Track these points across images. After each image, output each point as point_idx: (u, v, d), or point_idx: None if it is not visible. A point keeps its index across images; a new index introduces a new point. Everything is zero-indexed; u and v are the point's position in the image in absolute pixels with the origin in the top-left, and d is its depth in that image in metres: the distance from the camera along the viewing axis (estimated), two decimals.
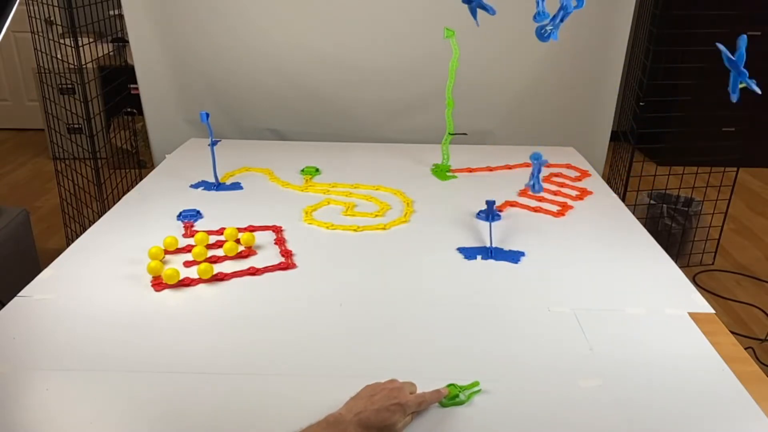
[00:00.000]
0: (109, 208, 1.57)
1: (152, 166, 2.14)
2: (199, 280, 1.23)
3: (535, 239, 1.43)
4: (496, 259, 1.34)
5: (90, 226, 1.48)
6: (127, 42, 2.25)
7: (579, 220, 1.55)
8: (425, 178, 1.82)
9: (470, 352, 1.04)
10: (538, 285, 1.25)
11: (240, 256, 1.33)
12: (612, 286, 1.25)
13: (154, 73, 2.23)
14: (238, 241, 1.37)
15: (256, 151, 2.02)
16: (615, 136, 2.49)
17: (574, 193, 1.71)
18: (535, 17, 1.14)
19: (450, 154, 1.85)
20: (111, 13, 2.55)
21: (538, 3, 1.12)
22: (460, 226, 1.49)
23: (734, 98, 0.84)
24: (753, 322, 2.41)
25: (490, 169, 1.88)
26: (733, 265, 2.82)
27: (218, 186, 1.70)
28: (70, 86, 2.37)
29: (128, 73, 2.42)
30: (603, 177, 2.00)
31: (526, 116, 2.27)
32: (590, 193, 1.71)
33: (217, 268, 1.28)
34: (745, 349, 1.29)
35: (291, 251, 1.36)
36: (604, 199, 1.69)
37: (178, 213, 1.52)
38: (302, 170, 1.83)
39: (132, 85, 2.43)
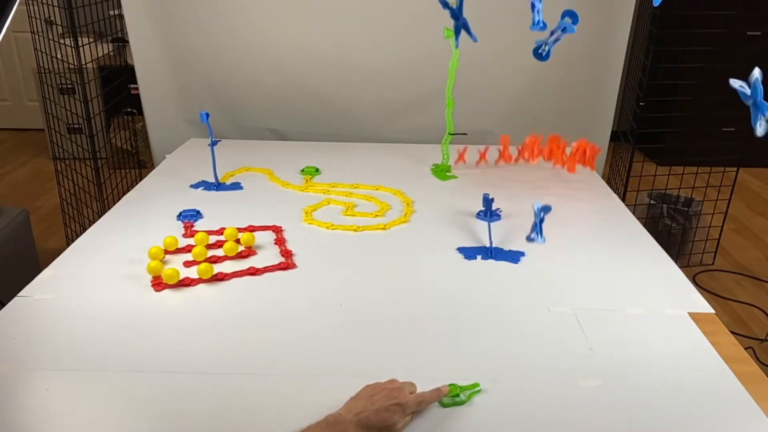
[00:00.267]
0: (109, 208, 1.57)
1: (152, 166, 2.14)
2: (199, 280, 1.23)
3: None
4: (496, 259, 1.34)
5: (90, 226, 1.48)
6: (127, 42, 2.25)
7: (579, 220, 1.55)
8: (425, 178, 1.82)
9: (470, 352, 1.04)
10: (538, 285, 1.25)
11: (240, 256, 1.33)
12: (612, 286, 1.25)
13: (154, 73, 2.23)
14: (238, 241, 1.37)
15: (256, 151, 2.02)
16: (615, 136, 2.49)
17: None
18: (531, 26, 1.15)
19: (450, 154, 1.85)
20: (111, 13, 2.55)
21: (534, 13, 1.12)
22: (460, 226, 1.49)
23: (760, 132, 0.84)
24: (753, 322, 2.41)
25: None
26: (733, 265, 2.82)
27: (218, 186, 1.70)
28: (70, 86, 2.37)
29: (128, 73, 2.42)
30: (603, 177, 2.00)
31: (526, 116, 2.27)
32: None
33: (217, 268, 1.28)
34: (745, 349, 1.29)
35: (291, 251, 1.36)
36: (604, 199, 1.69)
37: (178, 213, 1.52)
38: (302, 170, 1.83)
39: (132, 85, 2.43)
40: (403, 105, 2.25)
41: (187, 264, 1.29)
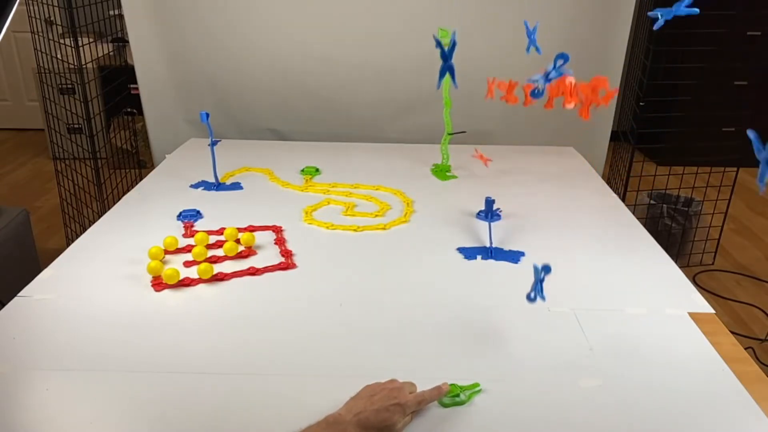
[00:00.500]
0: (109, 208, 1.57)
1: (152, 166, 2.14)
2: (199, 280, 1.23)
3: (535, 239, 1.43)
4: (496, 259, 1.34)
5: (90, 226, 1.48)
6: (127, 42, 2.25)
7: (579, 220, 1.55)
8: (425, 178, 1.82)
9: (470, 352, 1.04)
10: None
11: (240, 256, 1.33)
12: (612, 286, 1.25)
13: (154, 73, 2.23)
14: (238, 241, 1.37)
15: (256, 151, 2.02)
16: (615, 136, 2.49)
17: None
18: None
19: (449, 154, 1.85)
20: (111, 13, 2.55)
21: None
22: (460, 226, 1.49)
23: (762, 188, 0.85)
24: (753, 322, 2.41)
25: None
26: (733, 265, 2.82)
27: (218, 186, 1.70)
28: (70, 86, 2.37)
29: (128, 73, 2.42)
30: (603, 177, 2.00)
31: (526, 116, 2.27)
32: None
33: (217, 268, 1.28)
34: (745, 349, 1.29)
35: (291, 251, 1.36)
36: (604, 199, 1.69)
37: (178, 213, 1.52)
38: (302, 170, 1.83)
39: (132, 85, 2.43)
40: (403, 105, 2.25)
41: (187, 264, 1.29)
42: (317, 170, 1.83)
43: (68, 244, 1.39)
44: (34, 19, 2.29)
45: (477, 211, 1.55)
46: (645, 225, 1.56)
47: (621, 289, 1.24)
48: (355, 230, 1.47)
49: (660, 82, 2.49)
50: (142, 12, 2.13)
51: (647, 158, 2.78)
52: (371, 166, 1.88)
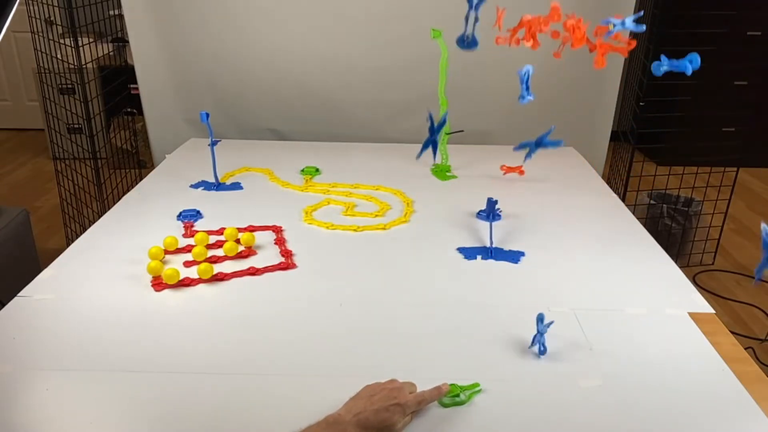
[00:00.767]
0: (109, 208, 1.58)
1: (152, 166, 2.14)
2: (199, 280, 1.23)
3: (535, 239, 1.43)
4: (496, 259, 1.34)
5: (90, 226, 1.48)
6: (127, 42, 2.25)
7: (579, 220, 1.55)
8: (425, 178, 1.82)
9: (470, 352, 1.04)
10: (538, 285, 1.25)
11: (240, 256, 1.33)
12: (612, 286, 1.25)
13: (154, 73, 2.23)
14: (238, 241, 1.37)
15: (256, 151, 2.02)
16: (615, 136, 2.49)
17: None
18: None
19: (449, 153, 1.85)
20: (111, 13, 2.55)
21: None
22: (460, 226, 1.49)
23: (756, 279, 0.85)
24: (753, 322, 2.41)
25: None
26: (733, 265, 2.82)
27: (218, 186, 1.70)
28: (70, 86, 2.37)
29: (128, 73, 2.42)
30: (603, 177, 2.00)
31: (526, 116, 2.27)
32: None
33: (217, 268, 1.28)
34: (745, 349, 1.29)
35: (291, 251, 1.36)
36: (604, 199, 1.69)
37: (178, 213, 1.52)
38: (302, 170, 1.83)
39: (132, 85, 2.43)
40: (403, 105, 2.25)
41: (187, 264, 1.29)
42: (317, 170, 1.83)
43: (68, 244, 1.39)
44: (34, 19, 2.29)
45: (477, 211, 1.55)
46: (645, 225, 1.56)
47: (621, 289, 1.24)
48: (355, 230, 1.47)
49: (660, 82, 2.48)
50: (142, 12, 2.13)
51: (647, 158, 2.77)
52: (371, 166, 1.88)
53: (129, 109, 3.16)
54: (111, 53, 3.27)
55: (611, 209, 1.63)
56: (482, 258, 1.35)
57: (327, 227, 1.48)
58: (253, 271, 1.27)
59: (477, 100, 2.21)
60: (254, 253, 1.35)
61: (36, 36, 2.32)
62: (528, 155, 1.16)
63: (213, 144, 1.66)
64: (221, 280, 1.24)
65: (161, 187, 1.71)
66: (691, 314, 1.15)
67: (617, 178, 2.69)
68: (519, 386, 0.95)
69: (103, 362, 0.99)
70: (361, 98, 2.24)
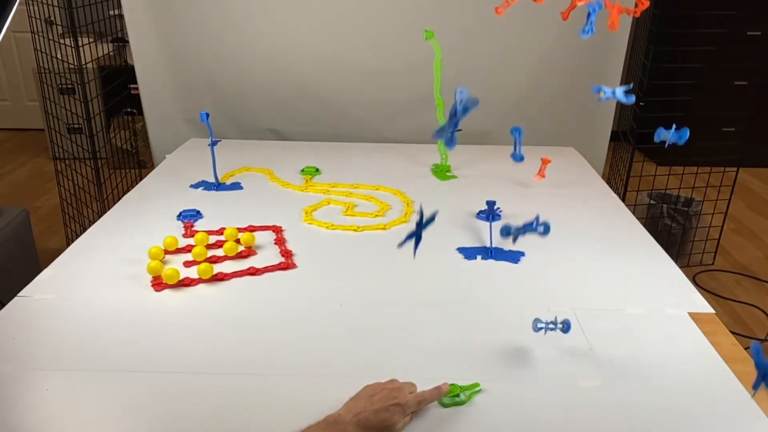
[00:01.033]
0: (109, 208, 1.58)
1: (152, 166, 2.14)
2: (199, 280, 1.23)
3: (535, 239, 1.43)
4: (496, 259, 1.34)
5: (90, 226, 1.48)
6: (127, 42, 2.25)
7: (579, 220, 1.55)
8: (425, 178, 1.82)
9: (470, 352, 1.04)
10: (538, 285, 1.25)
11: (240, 256, 1.33)
12: (612, 286, 1.25)
13: (154, 73, 2.23)
14: (238, 241, 1.37)
15: (256, 151, 2.02)
16: (615, 136, 2.49)
17: None
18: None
19: (448, 153, 1.85)
20: (111, 13, 2.55)
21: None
22: (460, 226, 1.49)
23: (754, 391, 0.86)
24: (753, 322, 2.41)
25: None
26: (733, 265, 2.82)
27: (218, 186, 1.70)
28: (70, 86, 2.37)
29: (128, 73, 2.42)
30: (603, 177, 2.00)
31: (526, 116, 2.27)
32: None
33: (217, 268, 1.28)
34: (745, 349, 1.28)
35: (291, 251, 1.36)
36: (604, 199, 1.69)
37: (178, 213, 1.52)
38: (302, 170, 1.83)
39: (132, 85, 2.43)
40: (403, 105, 2.25)
41: (187, 264, 1.29)
42: (317, 170, 1.83)
43: (68, 244, 1.39)
44: (34, 19, 2.29)
45: (477, 211, 1.55)
46: (645, 225, 1.56)
47: (621, 289, 1.24)
48: (355, 230, 1.47)
49: (660, 82, 2.49)
50: (142, 12, 2.13)
51: (647, 158, 2.78)
52: (371, 166, 1.88)
53: (129, 109, 3.16)
54: (111, 53, 3.27)
55: (611, 209, 1.63)
56: (482, 258, 1.35)
57: (327, 227, 1.48)
58: (253, 271, 1.27)
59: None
60: (254, 253, 1.35)
61: (36, 36, 2.32)
62: (514, 240, 1.17)
63: (213, 144, 1.66)
64: (221, 280, 1.24)
65: (161, 187, 1.71)
66: (691, 314, 1.15)
67: (617, 178, 2.69)
68: (519, 386, 0.95)
69: (103, 362, 0.99)
70: (361, 98, 2.24)
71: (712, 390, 0.96)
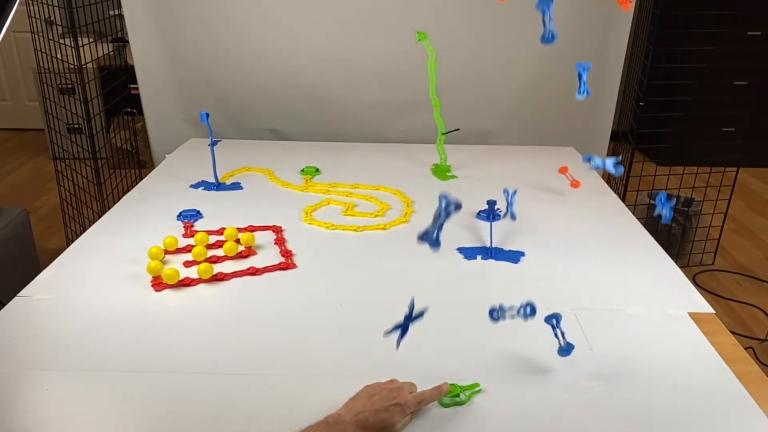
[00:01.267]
0: (109, 208, 1.58)
1: (152, 166, 2.14)
2: (199, 280, 1.23)
3: (535, 239, 1.43)
4: (496, 259, 1.34)
5: (90, 226, 1.48)
6: (127, 42, 2.25)
7: (579, 220, 1.55)
8: (425, 178, 1.82)
9: (470, 352, 1.04)
10: (538, 285, 1.25)
11: (240, 256, 1.33)
12: (612, 286, 1.25)
13: (154, 73, 2.23)
14: (238, 241, 1.37)
15: (256, 151, 2.02)
16: (615, 136, 2.49)
17: None
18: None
19: (447, 153, 1.85)
20: (111, 13, 2.55)
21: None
22: (460, 226, 1.49)
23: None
24: (753, 322, 2.41)
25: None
26: (733, 265, 2.82)
27: (218, 186, 1.70)
28: (70, 86, 2.37)
29: (128, 73, 2.42)
30: (603, 177, 2.00)
31: (525, 116, 2.27)
32: None
33: (217, 268, 1.28)
34: (745, 349, 1.29)
35: (291, 251, 1.36)
36: (604, 199, 1.69)
37: (178, 213, 1.52)
38: (302, 170, 1.83)
39: (132, 85, 2.43)
40: (403, 105, 2.25)
41: (187, 264, 1.29)
42: (317, 170, 1.83)
43: (68, 244, 1.39)
44: (34, 19, 2.29)
45: (477, 211, 1.55)
46: (645, 225, 1.56)
47: (621, 289, 1.24)
48: (355, 230, 1.47)
49: (660, 82, 2.49)
50: (142, 12, 2.13)
51: (647, 158, 2.78)
52: (371, 166, 1.88)
53: (129, 109, 3.16)
54: (111, 53, 3.27)
55: (611, 209, 1.63)
56: (482, 258, 1.35)
57: (327, 227, 1.48)
58: (253, 271, 1.27)
59: (477, 100, 2.21)
60: (254, 253, 1.35)
61: (36, 36, 2.32)
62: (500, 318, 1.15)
63: (213, 144, 1.66)
64: (221, 280, 1.24)
65: (161, 187, 1.71)
66: (691, 314, 1.15)
67: (617, 178, 2.69)
68: (519, 386, 0.95)
69: (103, 362, 0.99)
70: (361, 98, 2.24)
71: (712, 390, 0.96)
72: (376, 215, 1.56)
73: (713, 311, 1.17)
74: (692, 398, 0.94)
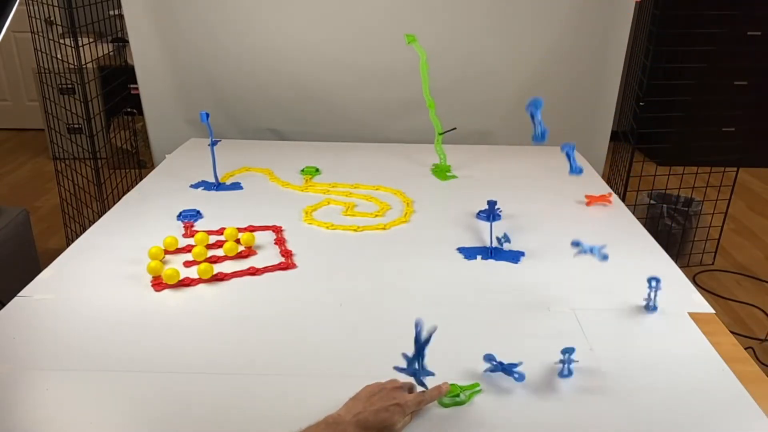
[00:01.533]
0: (109, 208, 1.58)
1: (152, 166, 2.14)
2: (199, 280, 1.23)
3: (535, 239, 1.43)
4: (496, 259, 1.34)
5: (90, 226, 1.48)
6: (127, 42, 2.25)
7: (579, 220, 1.55)
8: (425, 178, 1.82)
9: (470, 352, 1.04)
10: (538, 285, 1.25)
11: (240, 256, 1.33)
12: (612, 286, 1.25)
13: (154, 73, 2.23)
14: (238, 241, 1.37)
15: (256, 151, 2.02)
16: (615, 136, 2.49)
17: None
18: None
19: (446, 153, 1.85)
20: (111, 13, 2.55)
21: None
22: (460, 226, 1.49)
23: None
24: (753, 322, 2.41)
25: None
26: (733, 265, 2.82)
27: (218, 186, 1.70)
28: (70, 86, 2.37)
29: (128, 73, 2.42)
30: (603, 177, 2.00)
31: (525, 116, 2.27)
32: None
33: (217, 268, 1.28)
34: (745, 349, 1.29)
35: (291, 251, 1.36)
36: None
37: (178, 213, 1.52)
38: (302, 170, 1.83)
39: (132, 85, 2.43)
40: (403, 105, 2.25)
41: (187, 264, 1.29)
42: (317, 170, 1.83)
43: (68, 244, 1.39)
44: (34, 19, 2.29)
45: (477, 211, 1.55)
46: (645, 225, 1.56)
47: (621, 289, 1.24)
48: (355, 230, 1.47)
49: (660, 82, 2.49)
50: (142, 12, 2.13)
51: (647, 158, 2.78)
52: (371, 166, 1.88)
53: (129, 109, 3.16)
54: (111, 53, 3.27)
55: (611, 209, 1.63)
56: (482, 258, 1.35)
57: (327, 227, 1.48)
58: (253, 271, 1.27)
59: (477, 100, 2.21)
60: (254, 253, 1.35)
61: (36, 36, 2.32)
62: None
63: (213, 144, 1.66)
64: (221, 280, 1.24)
65: (161, 187, 1.71)
66: (691, 314, 1.15)
67: (617, 178, 2.69)
68: (519, 386, 0.95)
69: (103, 362, 0.99)
70: (361, 98, 2.24)
71: (712, 390, 0.96)
72: (376, 215, 1.56)
73: (713, 311, 1.17)
74: (692, 398, 0.94)
